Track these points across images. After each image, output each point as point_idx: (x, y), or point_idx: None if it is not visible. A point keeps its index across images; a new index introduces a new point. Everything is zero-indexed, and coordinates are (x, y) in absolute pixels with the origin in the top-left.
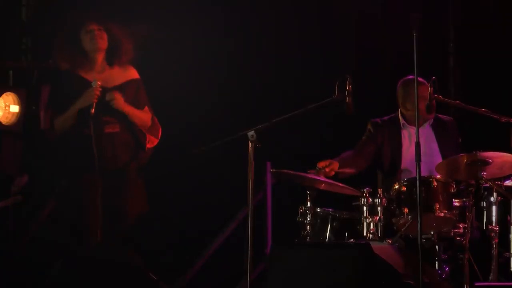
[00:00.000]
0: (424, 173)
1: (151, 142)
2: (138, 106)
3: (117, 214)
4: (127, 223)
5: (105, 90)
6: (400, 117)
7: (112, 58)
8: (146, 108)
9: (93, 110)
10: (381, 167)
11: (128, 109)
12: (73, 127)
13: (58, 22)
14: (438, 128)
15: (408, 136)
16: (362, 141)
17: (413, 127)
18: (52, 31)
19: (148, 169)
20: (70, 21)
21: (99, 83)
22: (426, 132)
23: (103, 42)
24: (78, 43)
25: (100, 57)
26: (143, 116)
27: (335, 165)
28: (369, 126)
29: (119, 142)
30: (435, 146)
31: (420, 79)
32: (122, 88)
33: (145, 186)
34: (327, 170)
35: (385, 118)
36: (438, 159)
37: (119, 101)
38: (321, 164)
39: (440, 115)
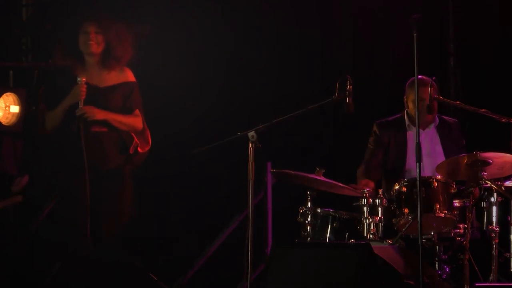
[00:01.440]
0: (427, 174)
1: (142, 147)
2: (129, 108)
3: (110, 214)
4: (119, 224)
5: (96, 90)
6: (406, 118)
7: (105, 61)
8: (137, 111)
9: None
10: (385, 167)
11: (108, 116)
12: (63, 125)
13: (58, 22)
14: (443, 130)
15: (413, 137)
16: (370, 152)
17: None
18: (52, 31)
19: (149, 169)
20: (70, 20)
21: (83, 79)
22: (431, 134)
23: (97, 47)
24: (75, 42)
25: (94, 60)
26: (129, 120)
27: (372, 184)
28: (374, 128)
29: (108, 141)
30: (439, 148)
31: (426, 78)
32: (113, 89)
33: (140, 187)
34: (365, 189)
35: (390, 118)
36: (442, 160)
37: (91, 113)
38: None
39: (444, 117)
